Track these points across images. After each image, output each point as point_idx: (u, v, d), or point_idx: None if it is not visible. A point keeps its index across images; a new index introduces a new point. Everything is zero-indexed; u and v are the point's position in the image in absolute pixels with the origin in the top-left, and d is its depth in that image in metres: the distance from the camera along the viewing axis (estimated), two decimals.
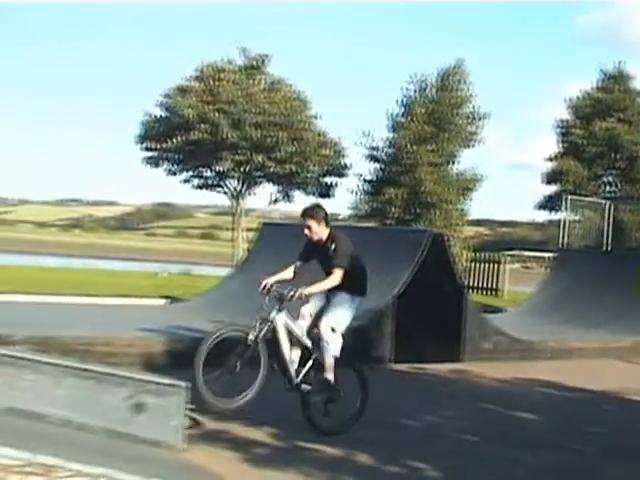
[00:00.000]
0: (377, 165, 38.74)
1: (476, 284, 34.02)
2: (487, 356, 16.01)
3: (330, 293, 8.97)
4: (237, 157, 39.05)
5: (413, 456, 8.48)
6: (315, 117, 41.08)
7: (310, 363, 8.85)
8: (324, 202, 29.94)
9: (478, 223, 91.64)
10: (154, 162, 40.75)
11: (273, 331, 8.54)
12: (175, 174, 41.64)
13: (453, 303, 15.81)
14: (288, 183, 41.69)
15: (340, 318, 8.91)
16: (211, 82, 39.10)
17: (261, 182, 42.34)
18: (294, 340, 8.75)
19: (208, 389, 8.02)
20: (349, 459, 8.24)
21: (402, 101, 38.58)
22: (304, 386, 8.78)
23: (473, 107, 38.12)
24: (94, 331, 12.58)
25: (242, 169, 40.14)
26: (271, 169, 39.57)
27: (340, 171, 41.70)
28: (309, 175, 40.84)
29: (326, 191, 42.18)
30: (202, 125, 38.13)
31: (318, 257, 9.09)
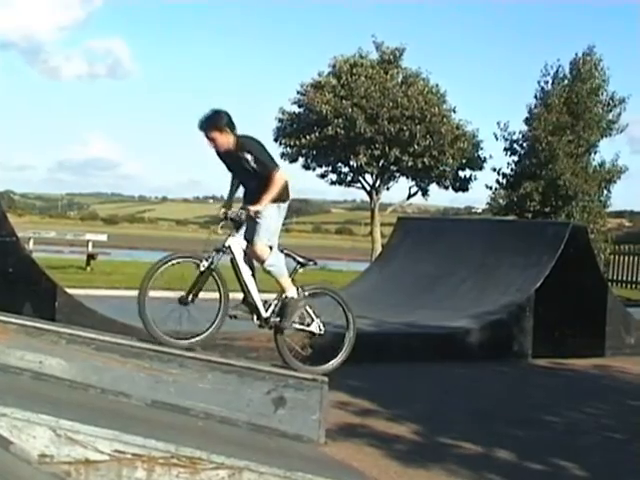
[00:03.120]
0: (514, 158, 38.08)
1: (617, 277, 33.10)
2: (630, 351, 15.58)
3: (250, 203, 7.91)
4: (373, 152, 39.03)
5: (556, 453, 8.28)
6: (451, 110, 40.70)
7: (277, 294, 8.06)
8: (461, 196, 29.55)
9: (619, 215, 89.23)
10: (291, 158, 41.10)
11: (232, 260, 7.83)
12: (311, 169, 41.94)
13: (595, 297, 15.45)
14: (424, 177, 41.41)
15: (271, 232, 7.86)
16: (346, 77, 39.17)
17: (397, 176, 42.21)
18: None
19: (156, 324, 7.49)
20: (491, 456, 8.10)
21: (537, 92, 37.82)
22: (273, 319, 7.97)
23: (608, 93, 36.89)
24: (234, 326, 12.73)
25: (378, 164, 40.11)
26: (407, 163, 39.36)
27: (477, 164, 41.20)
28: (445, 168, 40.47)
29: (463, 184, 41.78)
30: (338, 120, 38.24)
31: (235, 172, 8.05)
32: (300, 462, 6.75)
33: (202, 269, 7.63)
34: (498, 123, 37.51)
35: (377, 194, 42.18)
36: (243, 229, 7.86)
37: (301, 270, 8.18)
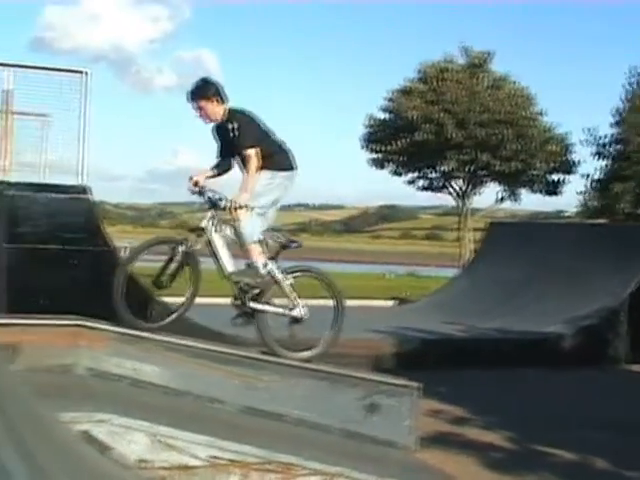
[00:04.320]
0: (604, 162, 37.41)
1: None
2: None
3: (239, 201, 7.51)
4: (462, 157, 38.75)
5: None
6: (540, 113, 40.18)
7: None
8: (552, 200, 29.12)
9: None
10: (379, 164, 41.06)
11: (208, 242, 7.52)
12: (400, 175, 41.86)
13: None
14: (514, 181, 40.92)
15: (257, 193, 7.44)
16: (434, 82, 39.00)
17: (486, 181, 41.82)
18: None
19: (127, 307, 7.24)
20: (586, 464, 7.98)
21: (624, 94, 37.10)
22: (252, 303, 7.55)
23: None
24: (325, 332, 12.79)
25: (467, 168, 39.81)
26: (496, 167, 38.96)
27: (567, 167, 40.59)
28: (535, 172, 39.95)
29: (553, 188, 41.19)
30: (426, 126, 38.09)
31: (225, 145, 7.65)
32: (393, 468, 6.76)
33: (178, 254, 7.35)
34: (585, 129, 36.98)
35: (467, 199, 41.85)
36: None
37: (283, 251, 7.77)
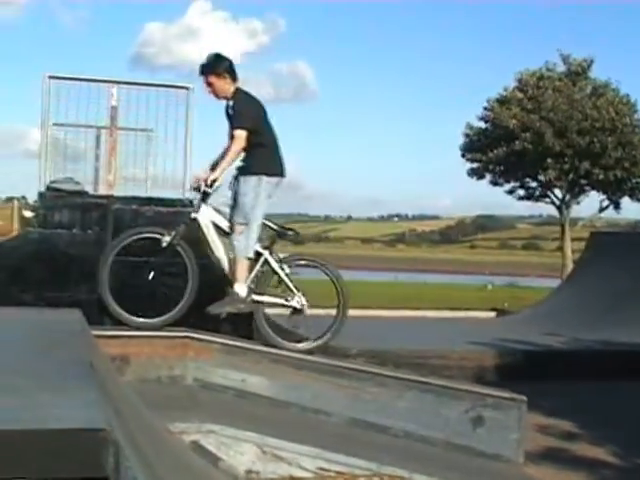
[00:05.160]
0: None
1: None
2: None
3: (239, 174, 7.43)
4: (562, 165, 38.18)
5: None
6: None
7: (258, 266, 7.45)
8: None
9: None
10: (478, 174, 40.78)
11: (201, 232, 7.35)
12: (499, 185, 41.47)
13: None
14: (616, 190, 40.16)
15: (246, 210, 7.25)
16: (533, 91, 38.55)
17: (587, 190, 41.11)
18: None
19: (118, 304, 7.19)
20: None
21: None
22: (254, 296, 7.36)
23: None
24: (426, 344, 12.74)
25: (567, 177, 39.19)
26: (598, 176, 38.30)
27: None
28: (638, 181, 39.13)
29: None
30: (525, 134, 37.65)
31: (229, 124, 7.46)
32: None
33: (164, 244, 7.25)
34: None
35: (567, 209, 41.20)
36: (220, 199, 7.42)
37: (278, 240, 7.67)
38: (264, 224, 7.48)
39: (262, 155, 7.32)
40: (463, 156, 40.61)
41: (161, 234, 7.29)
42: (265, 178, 7.31)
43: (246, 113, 7.26)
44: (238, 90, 7.38)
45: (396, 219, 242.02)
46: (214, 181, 7.22)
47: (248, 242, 7.26)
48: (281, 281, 7.51)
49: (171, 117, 10.92)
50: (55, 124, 11.03)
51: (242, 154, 7.33)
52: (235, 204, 7.33)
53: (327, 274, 7.79)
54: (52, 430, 1.94)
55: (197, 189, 7.34)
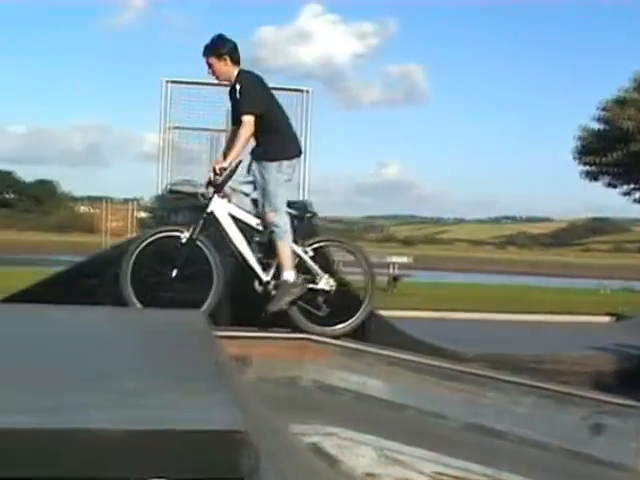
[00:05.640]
0: None
1: None
2: None
3: (254, 160, 7.31)
4: None
5: None
6: None
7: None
8: None
9: None
10: (593, 176, 40.00)
11: (219, 226, 7.23)
12: (615, 187, 40.60)
13: None
14: None
15: (273, 198, 7.15)
16: None
17: None
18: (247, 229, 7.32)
19: (139, 301, 7.00)
20: None
21: None
22: (275, 282, 7.23)
23: None
24: (541, 348, 12.55)
25: None
26: None
27: None
28: None
29: None
30: None
31: (234, 110, 7.33)
32: None
33: (184, 240, 7.12)
34: None
35: None
36: (233, 191, 7.34)
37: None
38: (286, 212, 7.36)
39: (277, 139, 7.21)
40: (578, 159, 39.88)
41: (180, 231, 7.19)
42: (285, 162, 7.22)
43: (253, 96, 7.10)
44: (241, 72, 7.22)
45: (507, 221, 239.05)
46: (223, 169, 7.09)
47: (285, 227, 7.15)
48: (306, 264, 7.35)
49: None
50: (173, 127, 11.27)
51: (253, 139, 7.21)
52: (260, 194, 7.23)
53: (353, 254, 7.67)
54: (190, 431, 1.99)
55: (209, 183, 7.24)
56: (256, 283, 7.27)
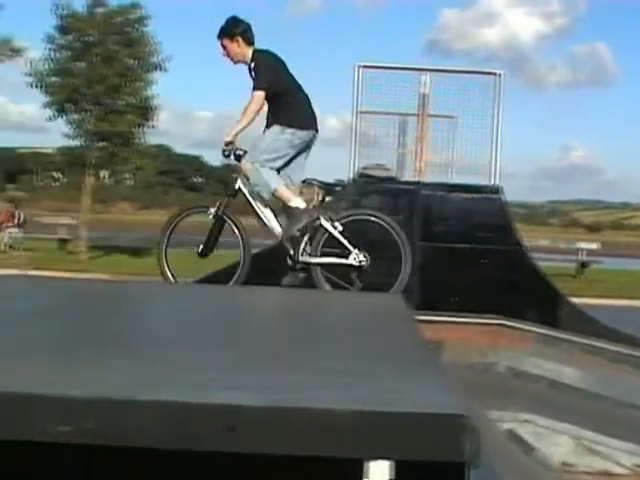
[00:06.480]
0: None
1: None
2: None
3: (265, 127, 7.21)
4: None
5: None
6: None
7: (310, 228, 7.12)
8: None
9: None
10: None
11: (248, 202, 7.15)
12: None
13: None
14: None
15: (261, 150, 7.05)
16: None
17: None
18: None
19: (173, 275, 7.22)
20: None
21: None
22: (303, 258, 7.08)
23: None
24: None
25: None
26: None
27: None
28: None
29: None
30: None
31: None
32: None
33: (210, 217, 7.16)
34: None
35: None
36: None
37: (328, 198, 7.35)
38: (312, 184, 7.36)
39: (285, 108, 7.13)
40: None
41: (206, 207, 7.32)
42: (289, 130, 7.11)
43: (263, 73, 7.09)
44: (255, 51, 7.22)
45: None
46: (230, 143, 7.08)
47: (265, 180, 7.04)
48: (336, 239, 7.14)
49: (477, 103, 10.94)
50: (362, 112, 11.34)
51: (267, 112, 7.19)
52: (250, 146, 7.19)
53: (383, 225, 7.34)
54: (416, 414, 2.00)
55: (224, 154, 7.21)
56: (287, 259, 7.20)
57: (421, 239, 9.88)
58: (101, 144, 25.76)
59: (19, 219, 28.65)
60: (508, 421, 5.64)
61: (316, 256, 7.09)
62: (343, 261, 7.09)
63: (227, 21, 7.30)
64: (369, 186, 10.12)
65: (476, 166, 11.23)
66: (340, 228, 7.15)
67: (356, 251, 7.06)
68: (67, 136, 25.89)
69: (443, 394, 2.27)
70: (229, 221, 7.22)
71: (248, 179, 7.09)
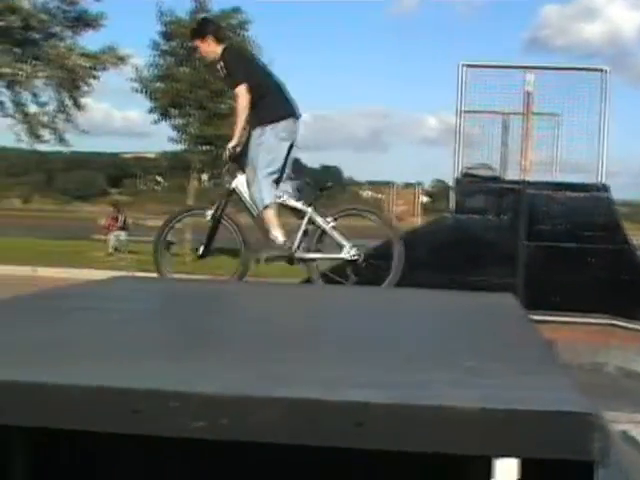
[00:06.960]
0: None
1: None
2: None
3: (250, 129, 7.18)
4: None
5: None
6: None
7: (303, 224, 7.22)
8: None
9: None
10: None
11: (243, 203, 7.24)
12: None
13: None
14: None
15: (252, 165, 7.06)
16: None
17: None
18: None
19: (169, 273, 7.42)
20: None
21: None
22: (298, 253, 7.16)
23: None
24: None
25: None
26: None
27: None
28: None
29: None
30: None
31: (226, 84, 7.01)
32: None
33: (208, 218, 7.26)
34: None
35: None
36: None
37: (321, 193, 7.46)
38: (308, 184, 7.55)
39: (262, 105, 7.11)
40: None
41: (204, 209, 7.45)
42: (268, 127, 7.09)
43: (235, 68, 7.15)
44: (225, 49, 7.30)
45: None
46: (235, 147, 7.15)
47: (262, 193, 7.07)
48: (328, 235, 7.27)
49: (582, 100, 10.79)
50: (466, 111, 11.29)
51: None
52: (245, 154, 7.25)
53: (375, 221, 7.44)
54: (544, 412, 2.00)
55: (230, 158, 7.29)
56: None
57: (526, 238, 9.81)
58: (205, 147, 26.12)
59: (123, 222, 29.20)
60: (622, 422, 5.55)
61: (311, 251, 7.25)
62: (337, 255, 7.26)
63: (197, 22, 7.62)
64: (473, 186, 10.09)
65: (580, 164, 11.08)
66: (333, 223, 7.28)
67: (349, 245, 7.19)
68: (172, 140, 26.39)
69: (569, 392, 2.27)
70: (227, 223, 7.35)
71: (248, 186, 7.17)
